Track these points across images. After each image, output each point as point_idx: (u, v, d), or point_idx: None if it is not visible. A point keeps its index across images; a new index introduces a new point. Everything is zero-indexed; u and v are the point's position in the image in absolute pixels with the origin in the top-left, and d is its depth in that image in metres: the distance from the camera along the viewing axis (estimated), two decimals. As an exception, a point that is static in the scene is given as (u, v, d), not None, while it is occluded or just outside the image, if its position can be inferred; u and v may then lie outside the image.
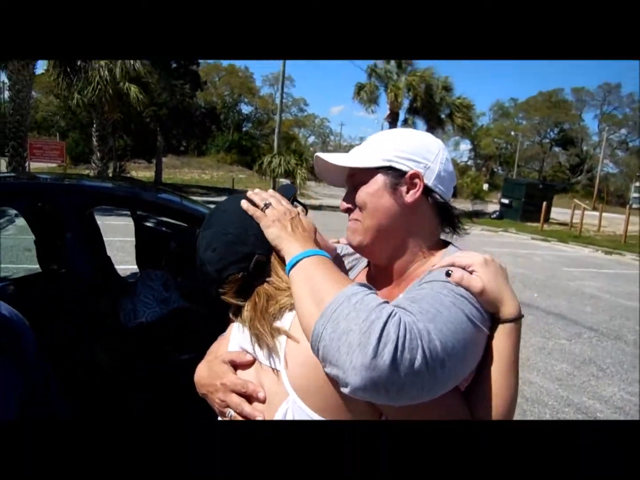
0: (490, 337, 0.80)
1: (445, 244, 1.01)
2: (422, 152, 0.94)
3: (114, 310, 3.12)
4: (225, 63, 53.87)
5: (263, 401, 0.81)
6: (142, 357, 3.00)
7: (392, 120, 23.55)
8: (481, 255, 0.84)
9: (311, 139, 74.38)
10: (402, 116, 23.95)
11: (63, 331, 2.65)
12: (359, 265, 1.11)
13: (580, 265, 11.98)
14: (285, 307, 0.82)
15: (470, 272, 0.79)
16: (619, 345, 5.53)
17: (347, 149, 77.00)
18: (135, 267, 4.00)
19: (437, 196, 0.94)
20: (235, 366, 0.88)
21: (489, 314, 0.79)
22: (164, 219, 5.09)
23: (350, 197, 0.97)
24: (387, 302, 0.72)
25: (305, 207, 0.99)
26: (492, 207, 27.89)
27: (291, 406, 0.78)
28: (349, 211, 0.98)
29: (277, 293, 0.84)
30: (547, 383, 4.27)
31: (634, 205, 60.21)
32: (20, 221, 9.24)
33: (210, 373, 0.91)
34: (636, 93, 63.07)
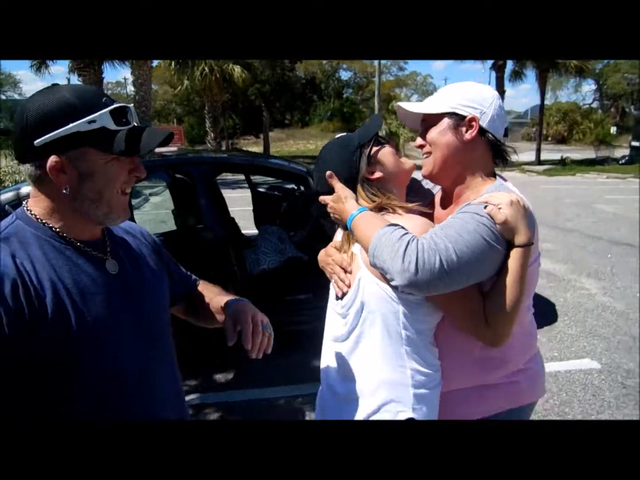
0: (506, 257, 1.09)
1: (494, 176, 1.27)
2: (479, 100, 1.20)
3: (241, 260, 3.72)
4: (322, 31, 53.65)
5: (350, 271, 1.20)
6: (266, 297, 3.57)
7: (499, 68, 22.14)
8: (508, 196, 1.10)
9: (414, 98, 71.99)
10: (509, 64, 22.41)
11: (201, 276, 3.30)
12: (436, 187, 1.43)
13: None
14: None
15: (499, 208, 1.08)
16: None
17: (452, 104, 73.10)
18: (252, 231, 4.62)
19: (490, 135, 1.21)
20: (339, 250, 1.28)
21: (505, 240, 1.08)
22: (275, 183, 5.69)
23: (422, 136, 1.27)
24: (407, 233, 1.06)
25: (387, 141, 1.30)
26: (623, 152, 25.13)
27: (363, 274, 1.15)
28: (421, 147, 1.28)
29: None
30: None
31: None
32: (155, 199, 10.54)
33: (326, 253, 1.32)
34: None
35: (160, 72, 23.66)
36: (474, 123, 1.19)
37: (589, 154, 25.99)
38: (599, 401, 2.97)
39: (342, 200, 1.20)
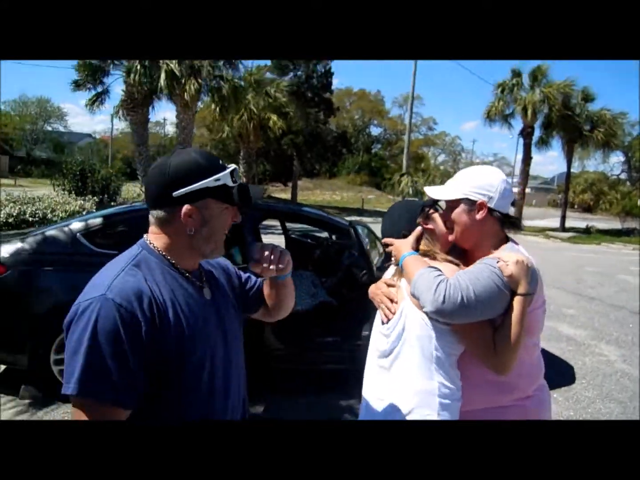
0: (511, 301, 1.38)
1: (507, 240, 1.57)
2: (487, 186, 1.51)
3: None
4: (356, 88, 56.10)
5: (396, 302, 1.49)
6: (298, 338, 3.82)
7: (527, 135, 22.70)
8: (516, 256, 1.40)
9: (441, 158, 73.26)
10: (537, 131, 22.99)
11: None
12: None
13: None
14: None
15: (507, 264, 1.38)
16: None
17: (479, 165, 73.69)
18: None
19: (497, 213, 1.52)
20: (388, 285, 1.58)
21: (510, 289, 1.38)
22: (307, 231, 6.06)
23: (447, 214, 1.58)
24: (441, 274, 1.37)
25: (435, 207, 1.62)
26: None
27: (406, 304, 1.44)
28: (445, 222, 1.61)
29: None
30: None
31: None
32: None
33: (376, 286, 1.63)
34: None
35: (201, 116, 24.88)
36: (483, 207, 1.50)
37: (615, 224, 25.96)
38: (612, 461, 3.09)
39: (401, 244, 1.54)
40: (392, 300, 1.52)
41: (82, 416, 1.02)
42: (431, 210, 1.58)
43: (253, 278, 1.48)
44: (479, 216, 1.50)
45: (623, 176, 59.57)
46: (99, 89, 16.93)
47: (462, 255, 1.64)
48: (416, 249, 1.52)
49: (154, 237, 1.18)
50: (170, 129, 63.19)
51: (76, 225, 3.67)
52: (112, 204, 11.90)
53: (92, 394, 1.01)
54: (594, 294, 8.42)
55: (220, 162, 1.19)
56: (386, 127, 57.96)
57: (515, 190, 26.94)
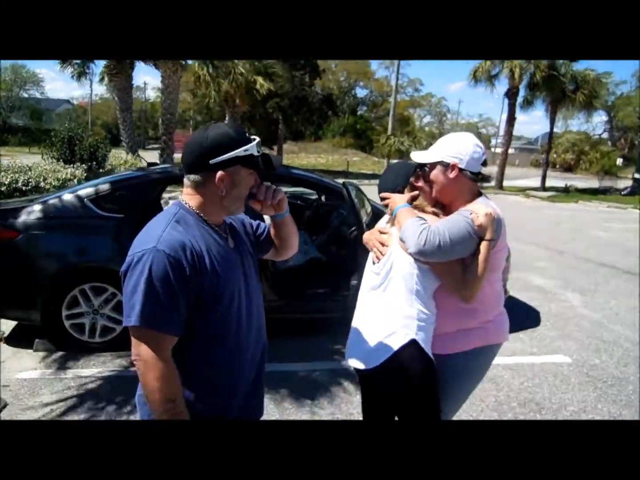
0: (478, 245, 1.75)
1: (480, 195, 1.92)
2: (460, 150, 1.84)
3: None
4: (340, 49, 54.82)
5: (386, 245, 1.86)
6: (291, 289, 4.23)
7: (512, 96, 22.90)
8: (485, 209, 1.76)
9: (427, 119, 72.92)
10: (522, 91, 23.16)
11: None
12: None
13: None
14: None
15: (477, 215, 1.75)
16: None
17: (464, 126, 73.30)
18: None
19: (468, 172, 1.85)
20: (380, 232, 1.94)
21: (479, 235, 1.74)
22: (297, 193, 6.38)
23: (427, 174, 1.92)
24: (425, 222, 1.73)
25: (424, 169, 1.94)
26: (626, 184, 25.64)
27: (395, 248, 1.82)
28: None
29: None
30: (629, 333, 4.78)
31: None
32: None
33: (371, 232, 1.99)
34: None
35: (184, 80, 24.50)
36: (455, 167, 1.83)
37: (594, 183, 26.60)
38: (564, 385, 3.61)
39: (397, 198, 1.89)
40: (383, 244, 1.89)
41: (140, 345, 1.27)
42: (420, 171, 1.91)
43: (262, 224, 1.71)
44: (451, 175, 1.84)
45: (605, 135, 60.05)
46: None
47: (445, 208, 1.99)
48: (410, 202, 1.87)
49: (189, 198, 1.41)
50: (151, 93, 61.77)
51: (84, 191, 3.97)
52: (101, 170, 12.03)
53: (151, 324, 1.26)
54: (565, 248, 8.95)
55: (247, 134, 1.41)
56: (372, 89, 57.35)
57: (499, 150, 27.26)
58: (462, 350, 1.88)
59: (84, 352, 3.78)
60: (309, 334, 4.30)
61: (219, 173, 1.35)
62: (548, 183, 24.58)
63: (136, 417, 1.56)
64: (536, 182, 25.17)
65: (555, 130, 26.75)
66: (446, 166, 1.84)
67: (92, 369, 3.56)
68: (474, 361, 1.91)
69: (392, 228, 1.89)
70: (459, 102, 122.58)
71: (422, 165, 1.91)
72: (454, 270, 1.77)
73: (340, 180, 4.51)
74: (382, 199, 1.96)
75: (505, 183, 24.03)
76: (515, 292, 5.82)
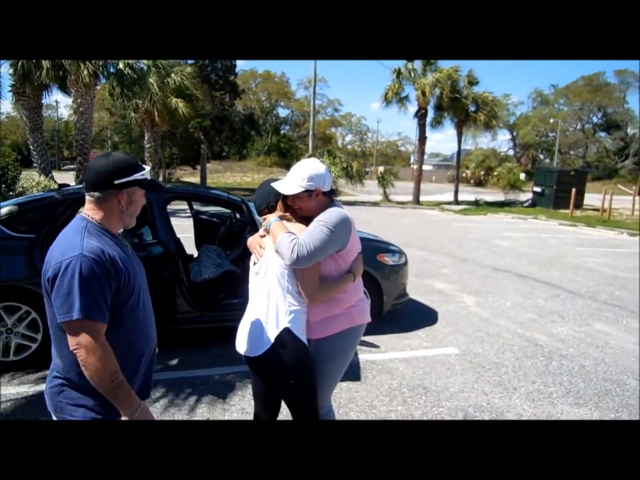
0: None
1: (332, 203, 2.31)
2: (317, 177, 2.21)
3: (187, 270, 4.63)
4: (261, 70, 56.00)
5: (264, 248, 2.21)
6: (206, 301, 4.48)
7: (422, 116, 24.51)
8: (335, 213, 2.19)
9: (349, 138, 75.36)
10: (431, 112, 24.86)
11: (154, 282, 4.16)
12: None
13: (596, 246, 12.58)
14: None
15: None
16: (588, 303, 6.62)
17: (384, 145, 76.13)
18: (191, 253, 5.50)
19: (323, 192, 2.25)
20: (260, 236, 2.27)
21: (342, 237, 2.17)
22: (213, 211, 6.65)
23: (293, 200, 2.28)
24: (294, 237, 2.07)
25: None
26: (528, 197, 28.08)
27: (269, 251, 2.17)
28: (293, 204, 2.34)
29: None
30: (511, 325, 5.49)
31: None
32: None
33: (253, 237, 2.32)
34: (683, 71, 60.36)
35: (100, 98, 23.84)
36: (319, 192, 2.20)
37: (501, 196, 28.90)
38: (449, 371, 4.14)
39: (271, 215, 2.23)
40: (261, 247, 2.24)
41: (79, 335, 1.50)
42: (288, 198, 2.27)
43: None
44: (316, 199, 2.24)
45: (510, 152, 65.11)
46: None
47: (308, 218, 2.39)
48: (280, 217, 2.24)
49: (93, 212, 1.67)
50: (64, 112, 59.01)
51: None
52: (11, 193, 11.52)
53: (89, 316, 1.51)
54: (468, 256, 9.84)
55: (140, 162, 1.75)
56: (293, 109, 58.60)
57: (415, 167, 28.89)
58: (332, 333, 2.27)
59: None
60: (224, 342, 4.55)
61: (123, 192, 1.65)
62: (461, 197, 26.39)
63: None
64: (451, 197, 26.92)
65: (466, 147, 29.00)
66: (311, 192, 2.19)
67: (8, 387, 3.59)
68: (344, 340, 2.29)
69: (267, 236, 2.25)
70: (378, 121, 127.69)
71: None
72: (300, 275, 2.14)
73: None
74: (261, 214, 2.33)
75: (422, 198, 25.52)
76: (417, 296, 6.42)
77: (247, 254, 5.30)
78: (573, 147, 65.52)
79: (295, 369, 2.09)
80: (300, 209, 2.25)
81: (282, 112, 59.06)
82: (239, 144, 38.62)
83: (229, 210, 6.10)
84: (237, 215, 6.12)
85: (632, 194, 28.57)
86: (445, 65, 23.75)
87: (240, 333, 2.27)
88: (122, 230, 1.82)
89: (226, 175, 40.18)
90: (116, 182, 1.63)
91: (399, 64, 23.68)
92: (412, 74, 23.41)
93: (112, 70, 16.17)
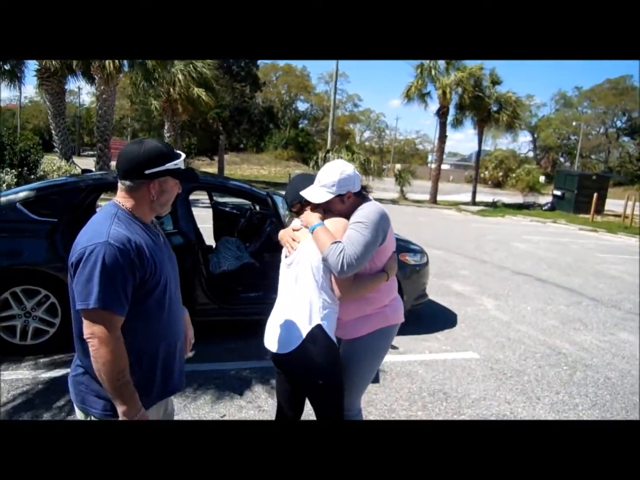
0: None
1: (366, 200, 2.22)
2: (348, 182, 2.13)
3: (206, 261, 4.59)
4: (282, 63, 55.89)
5: (298, 242, 2.13)
6: (225, 293, 4.44)
7: (443, 115, 24.21)
8: (371, 210, 2.12)
9: (367, 134, 75.01)
10: (452, 111, 24.54)
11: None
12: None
13: (617, 252, 12.35)
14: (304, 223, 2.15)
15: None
16: (612, 311, 6.44)
17: (402, 142, 75.72)
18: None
19: (357, 192, 2.18)
20: (293, 230, 2.19)
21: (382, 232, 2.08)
22: (233, 202, 6.61)
23: (326, 206, 2.19)
24: (342, 246, 1.97)
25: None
26: (547, 200, 27.67)
27: (305, 246, 2.09)
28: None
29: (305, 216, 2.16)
30: (532, 331, 5.36)
31: None
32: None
33: (285, 231, 2.24)
34: None
35: (122, 85, 23.96)
36: (350, 195, 2.15)
37: (519, 199, 28.49)
38: (470, 377, 4.04)
39: (310, 216, 2.14)
40: (295, 240, 2.16)
41: (94, 325, 1.46)
42: (320, 205, 2.19)
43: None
44: (348, 202, 2.17)
45: (530, 154, 64.22)
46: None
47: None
48: (321, 219, 2.12)
49: (124, 200, 1.62)
50: (86, 98, 59.58)
51: (16, 195, 4.01)
52: (32, 177, 11.62)
53: (107, 306, 1.46)
54: (486, 258, 9.68)
55: (175, 150, 1.66)
56: (313, 103, 58.44)
57: (433, 166, 28.63)
58: (366, 332, 2.19)
59: (15, 354, 3.79)
60: (242, 336, 4.50)
61: (153, 181, 1.59)
62: (478, 198, 26.08)
63: (74, 417, 1.71)
64: (468, 197, 26.62)
65: (485, 148, 28.59)
66: (342, 196, 2.13)
67: (24, 372, 3.59)
68: (377, 341, 2.22)
69: (303, 229, 2.17)
70: (397, 118, 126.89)
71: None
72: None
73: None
74: (293, 209, 2.26)
75: (440, 197, 25.27)
76: (436, 297, 6.31)
77: (266, 247, 5.28)
78: (595, 151, 64.43)
79: (325, 368, 2.01)
80: (333, 212, 2.18)
81: (301, 106, 59.01)
82: (257, 136, 38.70)
83: (248, 202, 6.06)
84: (257, 208, 6.07)
85: (655, 201, 28.11)
86: (469, 63, 23.43)
87: (269, 329, 2.20)
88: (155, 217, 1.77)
89: (243, 167, 40.21)
90: (147, 172, 1.57)
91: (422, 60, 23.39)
92: (434, 72, 23.10)
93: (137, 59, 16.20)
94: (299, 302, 2.07)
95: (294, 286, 2.12)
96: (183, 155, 1.68)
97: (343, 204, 2.16)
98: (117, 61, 15.11)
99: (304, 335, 2.00)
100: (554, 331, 5.43)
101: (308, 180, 2.25)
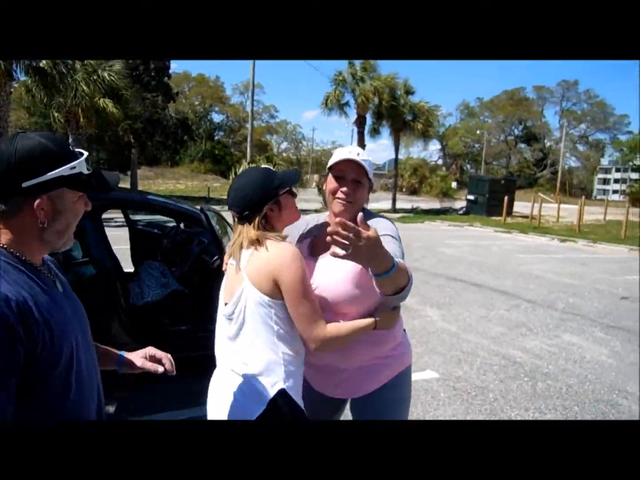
0: None
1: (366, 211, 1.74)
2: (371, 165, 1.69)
3: (126, 291, 3.89)
4: (194, 73, 54.34)
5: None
6: (150, 328, 3.77)
7: (360, 124, 24.51)
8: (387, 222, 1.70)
9: (284, 145, 75.08)
10: (369, 119, 24.93)
11: (87, 307, 3.42)
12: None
13: (534, 252, 12.98)
14: (246, 244, 1.55)
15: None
16: (549, 312, 6.50)
17: (319, 152, 76.88)
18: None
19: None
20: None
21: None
22: (153, 220, 5.87)
23: (350, 188, 1.67)
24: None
25: (295, 195, 1.67)
26: (461, 204, 28.95)
27: (246, 285, 1.50)
28: (347, 194, 1.67)
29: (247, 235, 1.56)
30: (483, 341, 5.18)
31: (598, 197, 63.15)
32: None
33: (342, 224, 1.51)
34: (593, 89, 66.22)
35: (17, 96, 21.83)
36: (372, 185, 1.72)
37: (435, 204, 29.60)
38: (435, 401, 3.70)
39: (382, 245, 1.24)
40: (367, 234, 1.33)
41: None
42: (285, 195, 1.58)
43: None
44: (364, 196, 1.74)
45: (440, 162, 67.76)
46: None
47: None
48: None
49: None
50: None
51: None
52: None
53: None
54: (418, 265, 9.61)
55: (71, 147, 1.11)
56: (228, 114, 57.40)
57: (353, 175, 28.94)
58: (384, 382, 1.69)
59: None
60: (176, 376, 3.83)
61: (37, 199, 1.02)
62: (398, 205, 26.66)
63: None
64: (388, 205, 27.14)
65: (399, 156, 29.27)
66: (370, 184, 1.73)
67: None
68: (401, 389, 1.73)
69: (240, 261, 1.55)
70: (313, 129, 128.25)
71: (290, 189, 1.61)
72: (296, 312, 1.48)
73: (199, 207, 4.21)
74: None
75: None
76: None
77: (195, 270, 4.64)
78: (497, 158, 69.30)
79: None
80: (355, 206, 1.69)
81: (217, 118, 57.62)
82: (172, 150, 37.06)
83: (170, 220, 5.38)
84: (182, 225, 5.40)
85: (555, 202, 30.46)
86: (383, 72, 23.99)
87: (214, 401, 1.64)
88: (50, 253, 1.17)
89: (158, 182, 38.26)
90: (25, 184, 1.01)
91: (340, 67, 23.58)
92: (355, 79, 23.36)
93: (33, 62, 14.67)
94: (251, 362, 1.52)
95: (239, 340, 1.55)
96: (85, 154, 1.12)
97: (365, 193, 1.73)
98: (2, 66, 13.53)
99: (263, 406, 1.47)
100: (503, 339, 5.29)
101: (270, 178, 1.58)
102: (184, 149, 43.38)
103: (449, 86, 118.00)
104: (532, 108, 68.84)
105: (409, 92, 24.79)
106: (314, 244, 1.77)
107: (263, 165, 1.69)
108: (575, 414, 3.58)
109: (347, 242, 1.15)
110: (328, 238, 1.17)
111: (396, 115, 24.09)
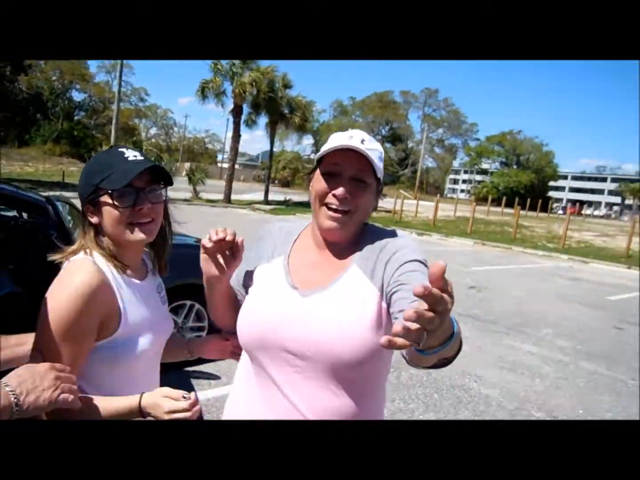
0: None
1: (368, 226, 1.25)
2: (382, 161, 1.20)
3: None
4: (49, 44, 48.74)
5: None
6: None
7: (237, 114, 24.03)
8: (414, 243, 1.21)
9: (153, 131, 71.07)
10: (245, 110, 24.54)
11: None
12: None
13: (398, 246, 13.87)
14: None
15: None
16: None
17: (191, 140, 74.21)
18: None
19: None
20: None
21: None
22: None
23: (351, 194, 1.15)
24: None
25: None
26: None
27: None
28: (342, 201, 1.16)
29: None
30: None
31: (448, 195, 70.46)
32: None
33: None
34: (450, 97, 73.31)
35: None
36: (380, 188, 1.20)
37: (306, 196, 30.31)
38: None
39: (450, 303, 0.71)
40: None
41: None
42: (105, 196, 1.15)
43: None
44: (376, 201, 1.26)
45: (312, 156, 69.77)
46: None
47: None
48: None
49: None
50: None
51: None
52: None
53: None
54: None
55: None
56: (91, 94, 52.56)
57: (226, 165, 28.35)
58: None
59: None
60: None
61: None
62: (270, 197, 26.73)
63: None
64: (260, 196, 27.07)
65: (273, 149, 29.34)
66: (379, 186, 1.20)
67: None
68: None
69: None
70: (186, 116, 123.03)
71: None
72: None
73: (53, 193, 3.66)
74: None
75: (233, 197, 25.05)
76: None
77: (39, 269, 4.05)
78: (366, 156, 73.28)
79: None
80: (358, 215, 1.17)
81: (78, 96, 52.32)
82: (21, 128, 32.83)
83: (10, 209, 4.64)
84: (24, 216, 4.68)
85: (414, 199, 33.04)
86: (263, 64, 23.76)
87: None
88: None
89: (1, 164, 33.68)
90: None
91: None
92: (232, 70, 22.81)
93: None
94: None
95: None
96: None
97: (372, 201, 1.18)
98: None
99: None
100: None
101: (95, 164, 1.19)
102: (36, 127, 38.77)
103: (324, 83, 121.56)
104: (398, 111, 73.92)
105: (287, 85, 24.87)
106: (295, 270, 1.21)
107: (121, 149, 1.20)
108: (434, 402, 3.80)
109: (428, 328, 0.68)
110: (397, 328, 0.66)
111: (273, 107, 24.06)
